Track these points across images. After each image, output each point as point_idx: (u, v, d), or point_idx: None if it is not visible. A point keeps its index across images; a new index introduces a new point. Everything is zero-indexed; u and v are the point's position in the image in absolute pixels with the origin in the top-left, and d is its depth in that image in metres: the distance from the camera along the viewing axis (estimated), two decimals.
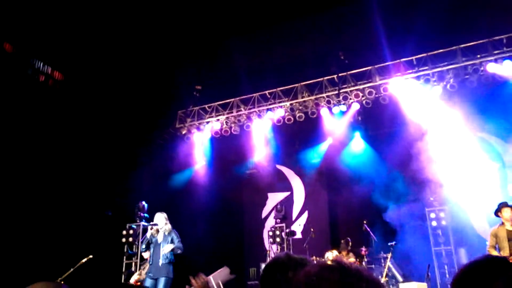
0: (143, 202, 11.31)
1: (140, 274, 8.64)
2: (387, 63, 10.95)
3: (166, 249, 7.72)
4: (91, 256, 8.04)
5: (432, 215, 10.25)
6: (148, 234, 8.16)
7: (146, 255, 8.40)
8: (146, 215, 11.28)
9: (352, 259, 9.53)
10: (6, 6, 9.41)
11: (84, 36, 10.63)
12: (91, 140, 11.20)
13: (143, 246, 8.24)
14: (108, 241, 10.36)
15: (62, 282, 7.04)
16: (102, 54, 10.97)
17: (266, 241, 11.70)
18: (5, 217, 8.98)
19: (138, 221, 11.13)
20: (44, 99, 10.57)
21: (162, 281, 7.63)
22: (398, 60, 10.90)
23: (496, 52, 9.96)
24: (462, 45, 10.26)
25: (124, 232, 10.77)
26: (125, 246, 10.73)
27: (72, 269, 7.77)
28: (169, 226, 8.02)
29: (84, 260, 7.95)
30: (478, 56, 10.13)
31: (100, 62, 11.11)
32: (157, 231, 8.02)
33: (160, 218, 8.03)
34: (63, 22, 10.22)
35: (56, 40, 10.65)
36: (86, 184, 10.96)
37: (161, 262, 7.67)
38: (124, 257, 10.76)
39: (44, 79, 11.01)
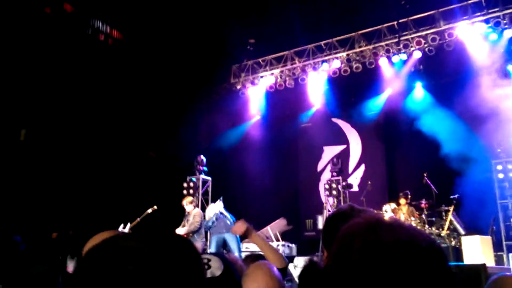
0: (202, 156, 11.66)
1: None
2: (452, 6, 10.19)
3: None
4: (155, 207, 8.52)
5: (499, 167, 9.74)
6: None
7: None
8: (205, 168, 11.66)
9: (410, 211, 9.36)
10: None
11: None
12: (149, 96, 11.56)
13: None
14: (169, 192, 10.85)
15: (130, 231, 7.52)
16: (158, 11, 11.07)
17: (322, 194, 11.72)
18: (77, 173, 9.63)
19: (197, 174, 11.55)
20: (104, 58, 10.94)
21: None
22: (465, 2, 10.10)
23: None
24: None
25: (185, 185, 11.23)
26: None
27: (138, 219, 8.29)
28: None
29: (149, 211, 8.44)
30: None
31: (156, 19, 11.24)
32: None
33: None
34: None
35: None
36: (145, 138, 11.45)
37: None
38: None
39: (103, 39, 11.35)
